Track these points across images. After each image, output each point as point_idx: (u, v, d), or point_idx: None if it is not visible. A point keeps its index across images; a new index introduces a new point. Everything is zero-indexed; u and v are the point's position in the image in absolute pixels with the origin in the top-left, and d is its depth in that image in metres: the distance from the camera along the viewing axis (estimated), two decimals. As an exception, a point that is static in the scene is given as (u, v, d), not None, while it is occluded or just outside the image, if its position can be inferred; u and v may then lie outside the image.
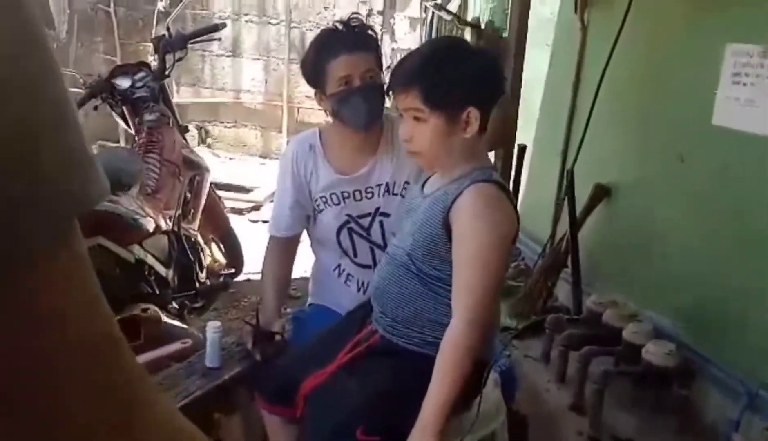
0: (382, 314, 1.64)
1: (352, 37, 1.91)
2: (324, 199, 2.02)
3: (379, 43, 1.99)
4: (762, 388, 2.26)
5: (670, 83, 2.89)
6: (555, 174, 3.63)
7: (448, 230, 1.49)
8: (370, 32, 1.97)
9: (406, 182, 1.95)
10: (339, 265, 2.09)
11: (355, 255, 2.05)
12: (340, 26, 1.94)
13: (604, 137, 3.36)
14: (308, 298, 2.28)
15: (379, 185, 2.00)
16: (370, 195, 2.00)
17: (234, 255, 3.50)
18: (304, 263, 3.63)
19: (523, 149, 3.36)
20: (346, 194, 2.00)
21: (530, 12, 3.33)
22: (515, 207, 1.58)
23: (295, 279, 4.23)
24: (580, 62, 3.53)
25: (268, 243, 2.13)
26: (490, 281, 1.44)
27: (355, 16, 1.98)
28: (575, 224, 3.30)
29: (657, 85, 2.99)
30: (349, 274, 2.07)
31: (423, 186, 1.65)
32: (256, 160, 7.08)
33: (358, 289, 2.06)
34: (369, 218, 2.01)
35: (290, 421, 1.76)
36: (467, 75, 1.50)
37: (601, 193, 3.32)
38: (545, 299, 3.45)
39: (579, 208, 3.33)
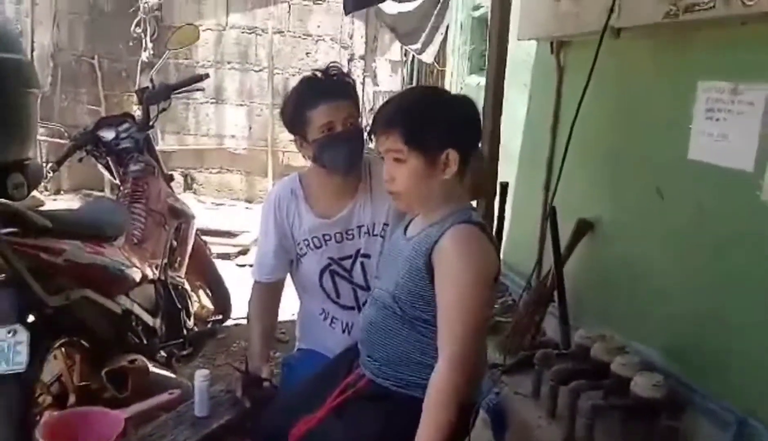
0: (369, 357, 1.65)
1: (332, 86, 1.97)
2: (306, 243, 2.04)
3: (357, 89, 2.05)
4: (751, 417, 2.27)
5: (646, 119, 2.96)
6: (538, 210, 3.67)
7: (431, 272, 1.51)
8: (348, 79, 2.03)
9: (385, 224, 1.99)
10: (323, 309, 2.11)
11: (338, 296, 2.07)
12: (319, 75, 1.99)
13: (585, 173, 3.41)
14: (296, 343, 2.29)
15: (359, 227, 2.03)
16: (351, 237, 2.03)
17: (222, 300, 3.51)
18: (291, 306, 3.64)
19: (505, 187, 3.40)
20: (327, 237, 2.03)
21: (507, 54, 3.40)
22: (496, 246, 1.61)
23: (283, 322, 4.22)
24: (558, 101, 3.60)
25: (253, 288, 2.15)
26: (473, 322, 1.47)
27: (333, 64, 2.04)
28: (560, 259, 3.33)
29: (634, 121, 3.05)
30: (333, 317, 2.09)
31: (406, 229, 1.68)
32: (241, 205, 7.10)
33: (343, 331, 2.07)
34: (350, 260, 2.03)
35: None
36: (446, 118, 1.55)
37: (584, 227, 3.36)
38: (533, 334, 3.45)
39: (564, 242, 3.37)
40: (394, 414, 1.56)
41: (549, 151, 3.62)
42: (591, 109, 3.18)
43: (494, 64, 3.11)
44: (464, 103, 1.63)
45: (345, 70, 2.10)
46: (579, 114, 2.89)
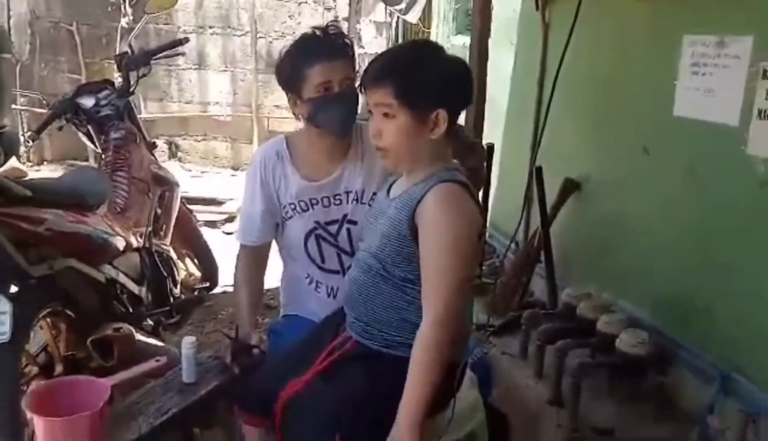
0: (356, 319, 1.65)
1: (331, 45, 1.93)
2: (293, 206, 2.02)
3: (355, 50, 2.00)
4: (734, 371, 2.30)
5: (631, 76, 2.94)
6: (525, 171, 3.66)
7: (414, 232, 1.50)
8: (347, 40, 1.98)
9: (375, 193, 1.96)
10: (308, 274, 2.10)
11: (323, 261, 2.06)
12: (318, 33, 1.95)
13: (571, 132, 3.40)
14: (281, 309, 2.28)
15: (347, 192, 2.01)
16: (338, 202, 2.01)
17: (208, 268, 3.49)
18: (279, 274, 3.62)
19: (491, 148, 3.38)
20: (314, 201, 2.01)
21: (492, 11, 3.36)
22: (480, 205, 1.60)
23: (271, 289, 4.23)
24: (544, 59, 3.58)
25: (239, 253, 2.13)
26: (456, 280, 1.46)
27: (333, 24, 2.01)
28: (546, 219, 3.34)
29: (618, 78, 3.04)
30: (318, 282, 2.08)
31: (389, 190, 1.66)
32: (227, 172, 7.05)
33: (328, 295, 2.07)
34: (336, 225, 2.02)
35: (270, 431, 1.76)
36: (440, 77, 1.52)
37: (570, 187, 3.36)
38: (521, 295, 3.48)
39: (550, 203, 3.37)
40: (380, 374, 1.56)
41: (535, 109, 3.61)
42: (576, 66, 3.16)
43: (479, 23, 3.07)
44: (458, 63, 1.61)
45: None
46: (565, 72, 2.87)
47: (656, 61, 2.76)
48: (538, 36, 3.59)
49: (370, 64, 1.57)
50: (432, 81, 1.51)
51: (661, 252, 2.72)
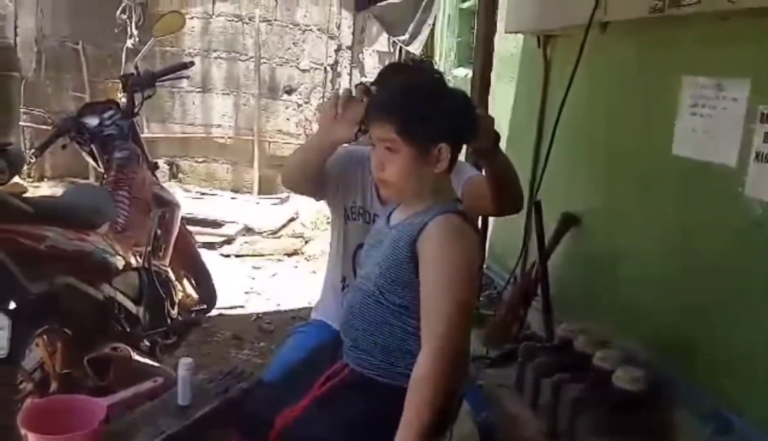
0: (353, 347, 1.65)
1: None
2: (361, 211, 2.08)
3: None
4: (731, 411, 2.30)
5: (631, 114, 2.97)
6: (524, 204, 3.69)
7: (414, 261, 1.52)
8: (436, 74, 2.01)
9: None
10: (344, 278, 2.14)
11: None
12: (410, 64, 2.00)
13: (570, 167, 3.43)
14: (312, 314, 2.31)
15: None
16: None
17: (206, 290, 3.49)
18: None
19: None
20: (376, 217, 2.04)
21: (494, 47, 3.41)
22: (479, 236, 1.62)
23: (269, 313, 4.24)
24: (545, 95, 3.62)
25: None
26: (457, 309, 1.47)
27: (424, 57, 2.04)
28: (544, 253, 3.35)
29: (618, 116, 3.07)
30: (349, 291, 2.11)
31: (389, 218, 1.68)
32: (227, 195, 7.07)
33: None
34: None
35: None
36: (442, 112, 1.55)
37: (569, 221, 3.38)
38: (518, 328, 3.48)
39: (549, 237, 3.39)
40: (377, 403, 1.56)
41: (535, 144, 3.64)
42: (577, 103, 3.20)
43: (481, 57, 3.12)
44: (461, 98, 1.63)
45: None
46: (565, 109, 2.91)
47: (656, 101, 2.79)
48: (539, 72, 3.63)
49: (373, 98, 1.60)
50: (435, 117, 1.53)
51: (659, 289, 2.73)
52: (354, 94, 1.84)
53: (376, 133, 1.57)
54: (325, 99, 7.22)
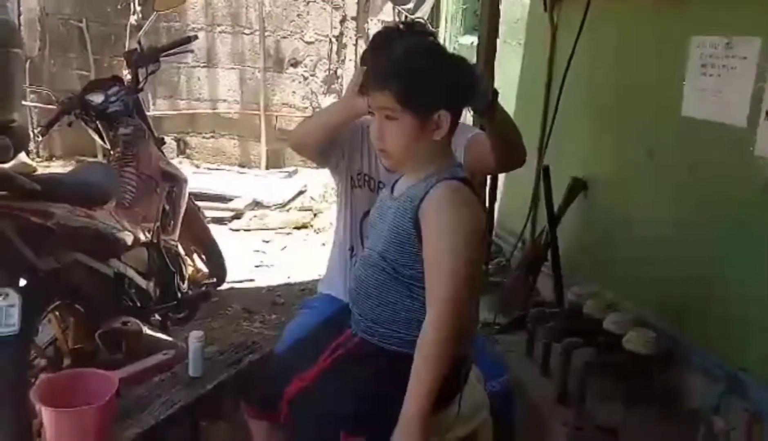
0: (361, 316, 1.66)
1: None
2: (366, 178, 2.08)
3: None
4: (740, 371, 2.30)
5: (640, 76, 2.94)
6: (532, 170, 3.66)
7: (418, 230, 1.52)
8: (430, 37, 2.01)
9: None
10: (353, 247, 2.13)
11: None
12: (402, 27, 2.00)
13: (579, 132, 3.40)
14: (318, 287, 2.31)
15: None
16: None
17: (216, 264, 3.51)
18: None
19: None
20: (382, 185, 2.04)
21: (501, 12, 3.35)
22: (482, 202, 1.62)
23: (279, 285, 4.25)
24: (552, 60, 3.57)
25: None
26: (461, 275, 1.47)
27: (418, 19, 2.03)
28: (553, 218, 3.34)
29: (626, 79, 3.03)
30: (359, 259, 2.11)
31: (392, 189, 1.67)
32: (235, 170, 7.08)
33: None
34: None
35: (275, 426, 1.77)
36: (440, 78, 1.53)
37: (578, 186, 3.36)
38: (527, 294, 3.48)
39: (557, 202, 3.37)
40: (385, 370, 1.57)
41: (543, 110, 3.60)
42: (584, 67, 3.16)
43: (486, 23, 3.06)
44: (460, 63, 1.61)
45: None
46: (573, 72, 2.87)
47: (665, 62, 2.75)
48: (546, 37, 3.58)
49: (371, 66, 1.58)
50: (433, 83, 1.52)
51: (667, 252, 2.72)
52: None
53: (375, 102, 1.56)
54: (330, 71, 7.16)
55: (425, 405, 1.45)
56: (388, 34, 2.01)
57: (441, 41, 5.88)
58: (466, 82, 1.58)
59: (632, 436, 2.41)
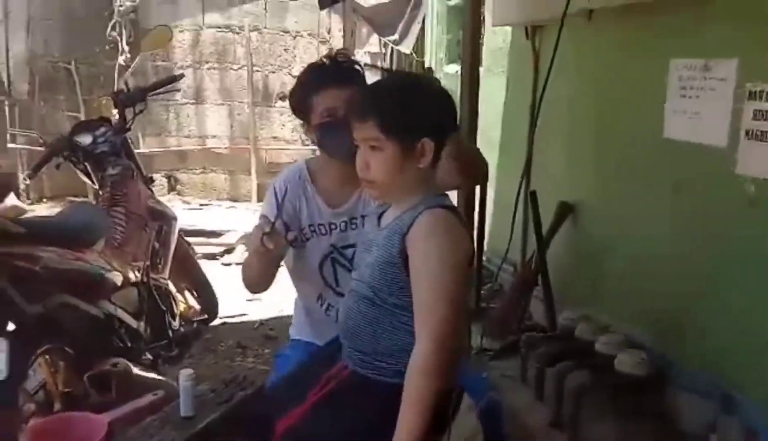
0: (351, 348, 1.65)
1: (338, 71, 1.96)
2: (312, 229, 2.05)
3: (365, 77, 2.03)
4: (734, 389, 2.30)
5: (621, 99, 2.98)
6: (520, 195, 3.69)
7: (405, 259, 1.52)
8: (356, 67, 2.02)
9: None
10: (321, 295, 2.10)
11: (337, 284, 2.07)
12: (326, 60, 2.00)
13: (565, 156, 3.43)
14: (290, 333, 2.28)
15: (363, 217, 2.02)
16: (354, 226, 2.03)
17: (207, 301, 3.51)
18: (279, 303, 3.60)
19: (486, 174, 3.41)
20: (333, 226, 2.04)
21: (484, 41, 3.41)
22: (468, 229, 1.62)
23: (271, 319, 4.23)
24: (535, 86, 3.61)
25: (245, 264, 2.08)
26: (449, 302, 1.47)
27: (342, 52, 2.05)
28: (542, 242, 3.35)
29: (609, 103, 3.07)
30: (329, 304, 2.09)
31: (379, 219, 1.68)
32: (226, 204, 7.09)
33: (337, 320, 2.07)
34: (352, 249, 2.01)
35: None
36: (423, 107, 1.55)
37: (565, 210, 3.38)
38: (519, 319, 3.48)
39: (547, 227, 3.39)
40: (377, 402, 1.56)
41: (528, 135, 3.63)
42: (568, 92, 3.21)
43: (469, 52, 3.11)
44: (439, 91, 1.63)
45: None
46: (558, 99, 2.92)
47: (645, 85, 2.79)
48: (528, 64, 3.64)
49: (354, 99, 1.60)
50: (415, 112, 1.54)
51: (656, 272, 2.73)
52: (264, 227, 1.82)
53: (359, 133, 1.57)
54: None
55: (416, 438, 1.44)
56: (313, 69, 2.02)
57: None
58: (448, 110, 1.60)
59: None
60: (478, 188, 3.32)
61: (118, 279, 2.51)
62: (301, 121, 2.04)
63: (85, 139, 2.91)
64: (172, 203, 6.31)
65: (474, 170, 2.05)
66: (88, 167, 2.93)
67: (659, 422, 2.50)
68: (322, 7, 4.47)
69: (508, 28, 3.98)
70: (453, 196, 3.25)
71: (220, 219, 6.24)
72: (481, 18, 3.70)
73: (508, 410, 2.77)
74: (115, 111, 3.08)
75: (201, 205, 6.97)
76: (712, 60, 2.42)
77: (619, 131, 2.99)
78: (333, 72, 1.97)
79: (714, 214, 2.44)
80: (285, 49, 7.26)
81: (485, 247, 3.73)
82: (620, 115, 2.98)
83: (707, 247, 2.48)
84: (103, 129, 2.95)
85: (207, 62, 7.25)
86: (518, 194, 3.28)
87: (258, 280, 2.03)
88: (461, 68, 3.31)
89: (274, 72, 7.25)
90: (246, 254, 2.15)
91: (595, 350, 2.66)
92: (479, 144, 3.30)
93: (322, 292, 2.10)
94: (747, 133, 2.24)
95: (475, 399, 1.85)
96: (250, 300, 4.53)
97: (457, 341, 1.55)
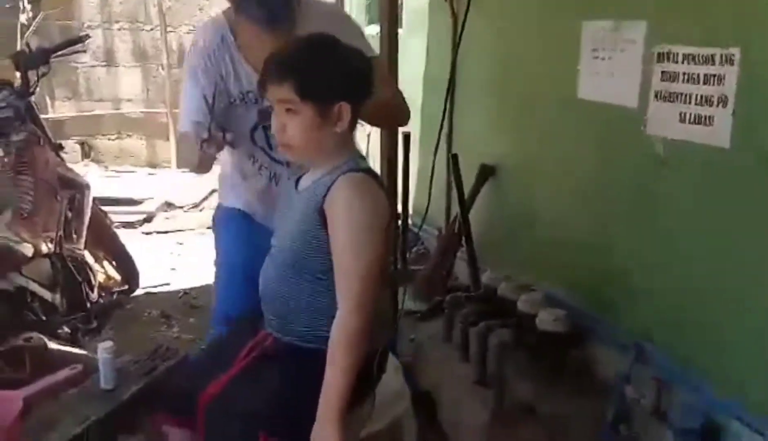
0: (273, 316, 1.65)
1: None
2: (242, 97, 2.00)
3: None
4: (647, 341, 2.41)
5: (537, 60, 3.02)
6: (443, 158, 3.72)
7: (324, 222, 1.52)
8: None
9: None
10: (253, 155, 2.08)
11: (270, 148, 2.04)
12: None
13: (485, 119, 3.47)
14: (219, 198, 2.27)
15: None
16: None
17: (127, 270, 3.42)
18: (204, 272, 3.53)
19: (407, 137, 3.42)
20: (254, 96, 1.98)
21: (404, 4, 3.38)
22: (387, 192, 1.63)
23: (196, 287, 4.16)
24: (455, 48, 3.62)
25: (180, 142, 2.05)
26: (370, 266, 1.48)
27: None
28: (464, 205, 3.40)
29: (526, 65, 3.11)
30: (262, 164, 2.07)
31: (297, 184, 1.66)
32: (144, 171, 6.87)
33: (270, 179, 2.07)
34: None
35: (193, 433, 1.73)
36: (340, 70, 1.53)
37: (486, 172, 3.43)
38: (444, 280, 3.54)
39: (468, 188, 3.44)
40: (300, 369, 1.57)
41: (446, 97, 3.64)
42: (485, 54, 3.23)
43: (387, 12, 3.07)
44: (357, 54, 1.62)
45: None
46: (477, 61, 2.94)
47: (559, 46, 2.84)
48: (447, 24, 3.63)
49: (268, 60, 1.56)
50: (333, 75, 1.52)
51: (572, 230, 2.81)
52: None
53: (275, 95, 1.54)
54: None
55: (341, 401, 1.45)
56: None
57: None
58: (364, 73, 1.59)
59: (549, 411, 2.49)
60: (401, 151, 3.32)
61: (28, 250, 2.41)
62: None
63: None
64: (88, 170, 6.07)
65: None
66: (-10, 134, 2.78)
67: (579, 377, 2.60)
68: None
69: (428, -10, 3.97)
70: (376, 162, 3.26)
71: (138, 186, 6.05)
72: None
73: (434, 370, 2.83)
74: (17, 73, 2.92)
75: (118, 171, 6.74)
76: (622, 21, 2.48)
77: (537, 93, 3.04)
78: None
79: (628, 173, 2.52)
80: (199, 9, 7.03)
81: (410, 211, 3.76)
82: (537, 76, 3.03)
83: (622, 205, 2.56)
84: (4, 93, 2.80)
85: (117, 22, 6.93)
86: (434, 156, 3.31)
87: (201, 171, 2.02)
88: (380, 29, 3.28)
89: (188, 33, 7.00)
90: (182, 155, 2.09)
91: (517, 309, 2.73)
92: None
93: (254, 153, 2.07)
94: (656, 94, 2.32)
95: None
96: (173, 269, 4.45)
97: (378, 302, 1.57)
